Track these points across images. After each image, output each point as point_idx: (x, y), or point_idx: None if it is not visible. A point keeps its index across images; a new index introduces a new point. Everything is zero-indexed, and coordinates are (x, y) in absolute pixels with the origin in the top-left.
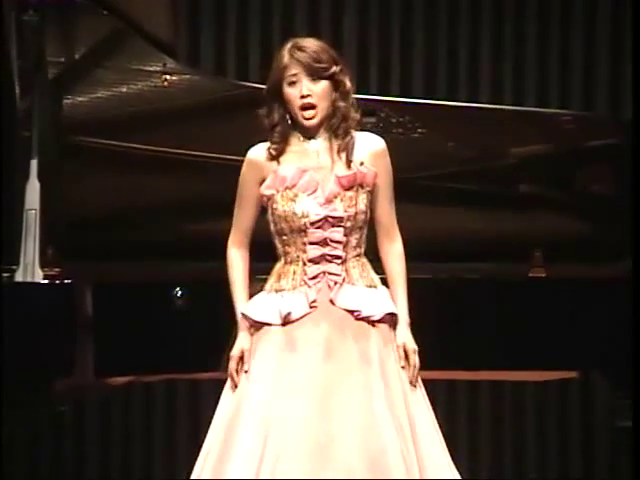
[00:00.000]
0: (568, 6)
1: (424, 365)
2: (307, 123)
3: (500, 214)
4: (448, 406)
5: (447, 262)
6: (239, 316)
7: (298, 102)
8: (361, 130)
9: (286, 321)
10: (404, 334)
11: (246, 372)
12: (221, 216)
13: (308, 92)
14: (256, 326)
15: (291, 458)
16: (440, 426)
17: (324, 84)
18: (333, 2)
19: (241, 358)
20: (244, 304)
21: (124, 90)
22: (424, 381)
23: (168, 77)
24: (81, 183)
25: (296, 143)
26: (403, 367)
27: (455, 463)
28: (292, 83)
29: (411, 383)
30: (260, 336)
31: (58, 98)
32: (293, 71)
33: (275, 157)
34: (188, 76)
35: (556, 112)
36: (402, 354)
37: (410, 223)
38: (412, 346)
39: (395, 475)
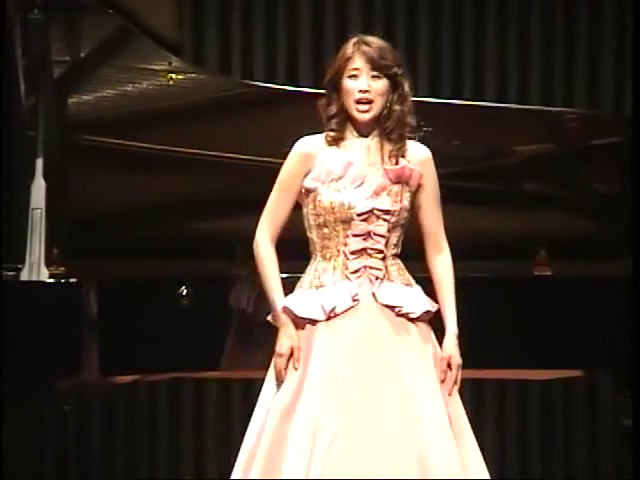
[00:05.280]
0: (572, 6)
1: None
2: (360, 117)
3: (505, 212)
4: None
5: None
6: (279, 309)
7: (355, 95)
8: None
9: (330, 316)
10: (452, 347)
11: (296, 369)
12: (227, 214)
13: (367, 87)
14: (297, 322)
15: (340, 453)
16: None
17: (384, 82)
18: (338, 0)
19: (291, 355)
20: (283, 299)
21: (129, 89)
22: None
23: (173, 76)
24: (86, 182)
25: (349, 137)
26: (443, 381)
27: None
28: (353, 76)
29: (449, 394)
30: (303, 332)
31: (63, 97)
32: (357, 64)
33: (331, 143)
34: (193, 75)
35: (560, 110)
36: (445, 366)
37: (413, 222)
38: (458, 361)
39: (439, 475)
